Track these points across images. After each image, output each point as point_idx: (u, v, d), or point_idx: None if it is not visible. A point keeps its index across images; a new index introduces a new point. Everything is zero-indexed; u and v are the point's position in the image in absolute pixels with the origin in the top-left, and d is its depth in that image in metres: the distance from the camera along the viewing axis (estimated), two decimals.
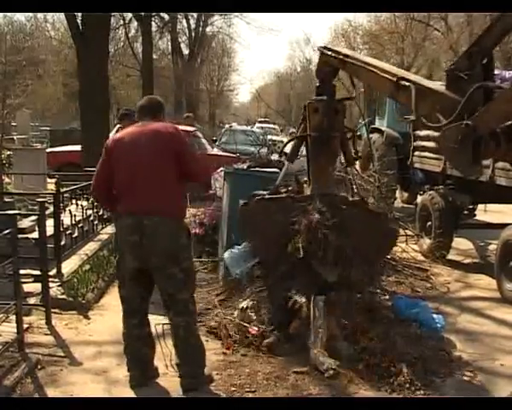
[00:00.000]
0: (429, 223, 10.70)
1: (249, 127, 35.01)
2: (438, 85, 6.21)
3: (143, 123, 5.28)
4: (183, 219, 5.36)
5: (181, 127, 13.87)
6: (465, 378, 5.79)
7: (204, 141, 18.23)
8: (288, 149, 7.93)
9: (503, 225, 9.02)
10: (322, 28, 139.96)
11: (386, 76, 6.43)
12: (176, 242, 5.12)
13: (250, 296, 6.80)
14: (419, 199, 11.25)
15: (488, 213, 11.72)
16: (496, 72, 9.07)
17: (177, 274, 5.09)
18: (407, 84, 6.08)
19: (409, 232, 10.37)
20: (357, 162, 12.99)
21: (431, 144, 10.84)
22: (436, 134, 10.34)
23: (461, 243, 11.44)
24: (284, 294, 6.48)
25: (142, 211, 5.01)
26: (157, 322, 6.05)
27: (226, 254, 7.60)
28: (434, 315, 6.99)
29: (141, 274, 5.16)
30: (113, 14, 20.47)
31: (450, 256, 10.71)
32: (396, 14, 42.46)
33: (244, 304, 6.63)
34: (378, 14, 45.95)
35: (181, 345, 5.25)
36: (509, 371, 6.07)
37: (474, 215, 11.72)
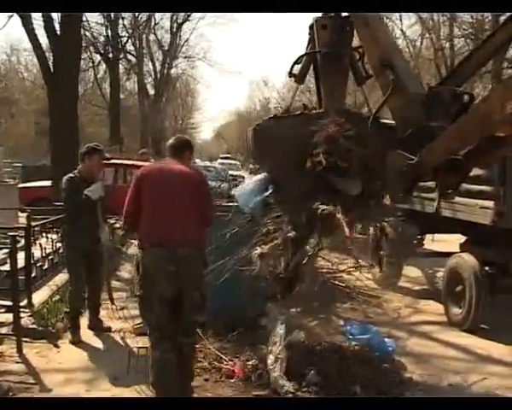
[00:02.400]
0: (381, 252, 10.84)
1: (211, 163, 35.14)
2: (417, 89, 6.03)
3: (172, 161, 5.47)
4: (204, 250, 5.43)
5: (141, 163, 13.67)
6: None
7: None
8: (296, 70, 7.09)
9: (449, 254, 9.15)
10: (279, 70, 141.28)
11: (377, 53, 6.14)
12: (201, 270, 5.33)
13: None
14: (371, 230, 11.31)
15: (435, 242, 11.88)
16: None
17: (198, 300, 5.22)
18: (390, 75, 5.92)
19: (362, 262, 10.44)
20: None
21: None
22: None
23: (411, 271, 11.59)
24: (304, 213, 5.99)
25: (176, 242, 5.11)
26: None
27: (237, 192, 7.01)
28: (386, 339, 7.04)
29: (172, 301, 5.17)
30: (82, 56, 20.45)
31: (401, 284, 10.85)
32: None
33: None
34: None
35: (181, 363, 5.21)
36: (457, 390, 6.15)
37: (423, 245, 11.86)
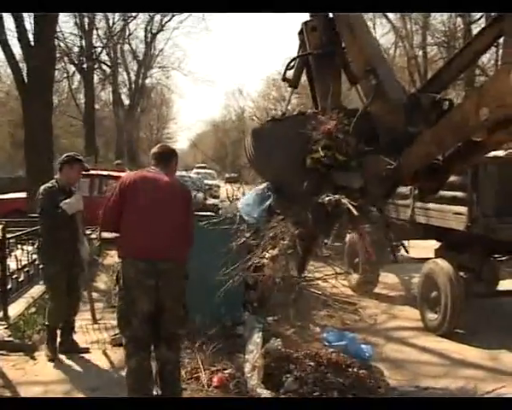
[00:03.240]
0: (357, 259, 10.90)
1: (187, 173, 35.10)
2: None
3: (157, 170, 5.32)
4: (186, 264, 5.32)
5: (116, 174, 13.47)
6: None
7: None
8: (288, 75, 7.23)
9: (424, 260, 9.25)
10: (254, 79, 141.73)
11: (361, 58, 6.22)
12: (183, 284, 5.23)
13: None
14: (347, 237, 11.38)
15: (410, 248, 11.94)
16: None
17: (180, 314, 5.21)
18: (373, 80, 5.99)
19: (338, 269, 10.49)
20: None
21: None
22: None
23: (387, 278, 11.66)
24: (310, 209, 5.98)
25: (158, 256, 5.03)
26: None
27: (239, 204, 7.14)
28: (363, 345, 7.07)
29: (152, 314, 5.10)
30: (56, 67, 20.34)
31: (377, 290, 10.92)
32: None
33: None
34: None
35: (166, 379, 5.23)
36: (432, 394, 6.19)
37: (398, 251, 11.94)
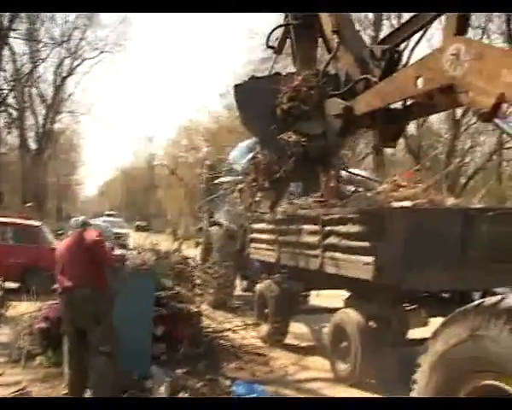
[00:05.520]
0: (266, 310, 10.83)
1: (94, 221, 34.41)
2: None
3: (73, 233, 7.10)
4: (100, 290, 6.62)
5: (27, 222, 13.34)
6: None
7: (49, 235, 17.47)
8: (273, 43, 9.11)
9: (334, 310, 9.26)
10: (165, 127, 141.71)
11: (330, 21, 7.49)
12: (100, 307, 6.53)
13: None
14: (257, 287, 11.35)
15: (320, 297, 12.02)
16: None
17: (101, 333, 6.41)
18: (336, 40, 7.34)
19: (248, 320, 10.42)
20: (198, 254, 13.05)
21: (265, 236, 11.08)
22: (269, 227, 10.70)
23: (297, 328, 11.63)
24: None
25: (71, 287, 6.58)
26: None
27: (232, 153, 9.09)
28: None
29: (78, 332, 6.62)
30: None
31: (288, 341, 10.85)
32: (234, 112, 43.64)
33: None
34: (217, 112, 47.23)
35: (93, 388, 6.42)
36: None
37: (308, 301, 11.98)
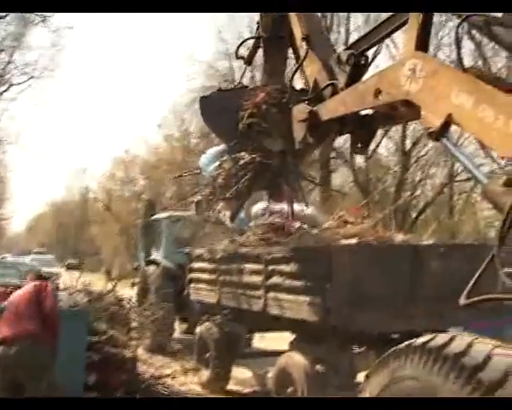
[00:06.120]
0: (207, 354, 10.71)
1: (23, 258, 33.76)
2: None
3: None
4: (44, 344, 6.63)
5: None
6: None
7: None
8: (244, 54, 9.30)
9: (279, 353, 9.21)
10: (100, 158, 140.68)
11: (299, 28, 7.79)
12: (40, 361, 6.57)
13: None
14: (197, 330, 11.26)
15: (265, 340, 11.97)
16: (262, 205, 9.62)
17: (44, 387, 6.43)
18: (305, 46, 7.52)
19: (188, 365, 10.32)
20: (134, 295, 12.93)
21: (205, 276, 11.04)
22: (210, 266, 10.69)
23: (240, 373, 11.50)
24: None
25: (10, 341, 6.59)
26: None
27: (202, 159, 9.26)
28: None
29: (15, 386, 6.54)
30: None
31: (230, 386, 10.75)
32: (174, 143, 43.63)
33: None
34: (156, 144, 47.10)
35: None
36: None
37: (251, 344, 11.94)
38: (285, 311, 8.64)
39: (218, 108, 8.27)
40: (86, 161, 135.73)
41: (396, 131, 29.82)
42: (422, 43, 5.92)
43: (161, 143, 47.63)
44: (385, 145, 32.04)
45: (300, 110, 7.29)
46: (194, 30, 66.97)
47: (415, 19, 5.96)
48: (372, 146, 28.25)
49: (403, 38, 6.41)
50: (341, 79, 6.93)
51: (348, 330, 7.95)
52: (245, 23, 33.72)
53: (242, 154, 8.15)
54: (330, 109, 6.90)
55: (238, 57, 9.40)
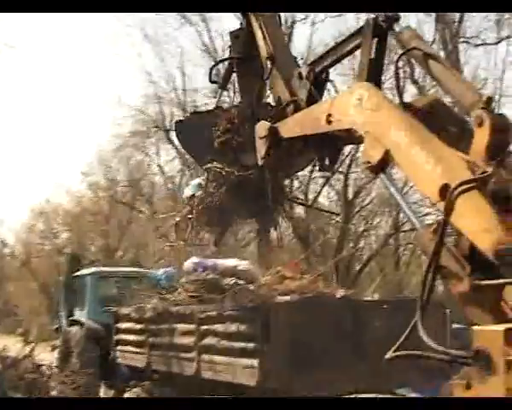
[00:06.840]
0: None
1: None
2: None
3: None
4: None
5: None
6: None
7: None
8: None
9: None
10: (21, 208, 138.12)
11: (264, 47, 8.52)
12: None
13: None
14: (125, 396, 11.09)
15: None
16: (196, 260, 9.61)
17: None
18: (269, 65, 8.31)
19: None
20: (54, 360, 12.68)
21: (134, 338, 10.88)
22: (138, 326, 10.58)
23: None
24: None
25: None
26: None
27: (185, 191, 10.32)
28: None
29: None
30: None
31: None
32: (99, 193, 43.14)
33: None
34: (79, 194, 46.48)
35: None
36: None
37: None
38: (219, 374, 8.55)
39: (194, 130, 9.08)
40: (2, 212, 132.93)
41: (338, 180, 30.03)
42: (374, 74, 6.45)
43: (85, 192, 47.02)
44: (326, 194, 32.24)
45: (261, 127, 7.87)
46: (122, 72, 66.71)
47: (366, 47, 6.50)
48: (312, 195, 28.57)
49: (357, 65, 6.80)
50: (302, 95, 7.49)
51: (288, 394, 7.91)
52: (174, 65, 33.94)
53: (218, 170, 8.85)
54: (288, 128, 7.50)
55: (212, 82, 10.24)
